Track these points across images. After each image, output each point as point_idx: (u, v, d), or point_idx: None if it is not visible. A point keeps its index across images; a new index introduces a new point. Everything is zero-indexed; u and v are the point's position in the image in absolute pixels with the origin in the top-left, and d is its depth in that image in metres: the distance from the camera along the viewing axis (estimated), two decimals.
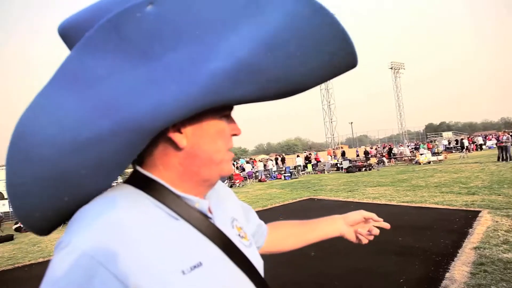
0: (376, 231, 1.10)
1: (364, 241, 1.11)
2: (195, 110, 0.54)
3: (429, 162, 20.74)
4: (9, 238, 9.15)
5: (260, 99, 0.62)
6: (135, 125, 0.51)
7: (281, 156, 28.11)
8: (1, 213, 13.37)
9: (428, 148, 26.66)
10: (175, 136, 0.62)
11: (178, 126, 0.61)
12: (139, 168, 0.66)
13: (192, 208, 0.66)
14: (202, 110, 0.55)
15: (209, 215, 0.70)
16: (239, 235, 0.77)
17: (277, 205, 10.55)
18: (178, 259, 0.58)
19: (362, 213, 1.11)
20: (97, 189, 0.60)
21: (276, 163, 26.41)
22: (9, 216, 13.57)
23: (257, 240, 1.02)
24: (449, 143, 34.36)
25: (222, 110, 0.65)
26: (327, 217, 1.15)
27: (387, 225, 1.10)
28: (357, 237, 1.12)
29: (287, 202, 10.95)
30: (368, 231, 1.10)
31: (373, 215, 1.10)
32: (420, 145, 29.85)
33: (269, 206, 10.35)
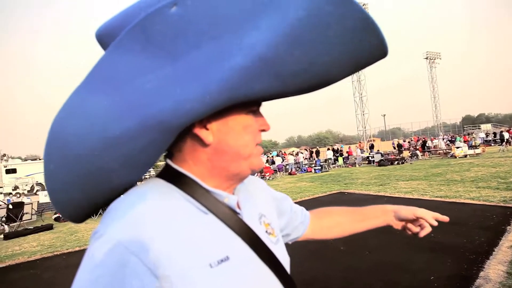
0: (428, 230, 1.06)
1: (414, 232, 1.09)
2: (216, 106, 0.55)
3: (465, 156, 20.03)
4: (49, 227, 9.60)
5: (282, 94, 0.63)
6: (159, 123, 0.54)
7: (315, 149, 27.88)
8: (43, 203, 14.06)
9: (465, 141, 25.72)
10: (201, 132, 0.64)
11: (204, 122, 0.63)
12: (170, 163, 0.70)
13: (221, 203, 0.68)
14: (225, 106, 0.57)
15: (238, 210, 0.72)
16: (266, 231, 0.78)
17: (307, 198, 10.52)
18: (206, 253, 0.60)
19: (414, 212, 1.07)
20: (128, 183, 0.64)
21: (311, 156, 26.27)
22: (50, 207, 14.23)
23: (297, 227, 1.03)
24: (487, 136, 32.97)
25: (249, 106, 0.66)
26: (377, 206, 1.14)
27: (445, 218, 1.05)
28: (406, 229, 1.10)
29: (317, 196, 10.90)
30: (419, 226, 1.07)
31: (426, 216, 1.04)
32: (456, 138, 28.77)
33: (299, 200, 10.32)
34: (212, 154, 0.66)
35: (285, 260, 0.77)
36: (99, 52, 0.63)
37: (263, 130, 0.71)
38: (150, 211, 0.59)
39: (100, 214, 10.75)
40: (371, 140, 32.63)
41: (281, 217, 0.97)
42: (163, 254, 0.55)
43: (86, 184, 0.59)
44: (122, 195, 0.64)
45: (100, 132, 0.54)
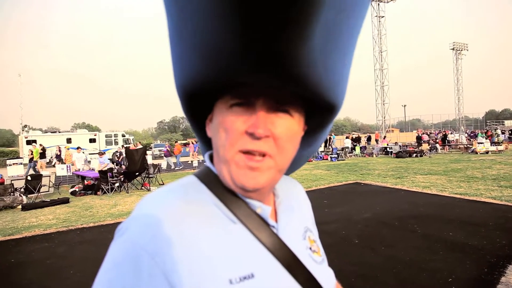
0: None
1: None
2: (185, 90, 0.60)
3: (487, 152, 19.58)
4: (65, 201, 9.76)
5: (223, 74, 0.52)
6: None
7: (328, 136, 27.64)
8: (59, 176, 14.36)
9: (487, 137, 25.04)
10: (207, 125, 0.65)
11: (211, 115, 0.63)
12: (206, 159, 0.67)
13: (253, 212, 0.61)
14: (190, 91, 0.59)
15: (272, 223, 0.64)
16: (310, 248, 0.70)
17: (322, 187, 10.44)
18: (228, 267, 0.54)
19: None
20: None
21: (325, 146, 26.05)
22: (66, 180, 14.53)
23: None
24: (511, 133, 32.07)
25: (230, 98, 0.57)
26: None
27: None
28: None
29: (332, 185, 10.80)
30: None
31: None
32: (478, 134, 28.00)
33: (314, 188, 10.26)
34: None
35: (328, 283, 0.69)
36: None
37: (251, 134, 0.55)
38: (173, 214, 0.55)
39: (114, 190, 10.92)
40: (389, 130, 32.12)
41: None
42: (179, 262, 0.51)
43: None
44: (153, 192, 0.61)
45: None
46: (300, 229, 0.71)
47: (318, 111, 0.64)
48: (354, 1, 0.48)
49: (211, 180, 0.62)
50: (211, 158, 0.67)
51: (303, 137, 0.68)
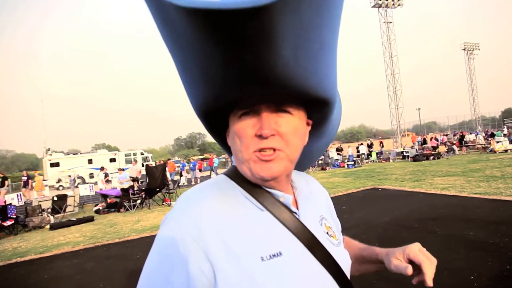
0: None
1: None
2: (202, 106, 0.69)
3: (506, 151, 19.17)
4: (90, 219, 10.02)
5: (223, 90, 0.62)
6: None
7: (338, 146, 27.47)
8: (83, 196, 14.68)
9: (504, 135, 24.53)
10: (227, 136, 0.77)
11: (228, 129, 0.76)
12: (233, 161, 0.78)
13: (277, 201, 0.72)
14: (205, 110, 0.71)
15: (294, 209, 0.75)
16: (327, 233, 0.80)
17: (340, 194, 10.44)
18: (259, 246, 0.65)
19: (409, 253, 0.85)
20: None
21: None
22: (90, 199, 14.85)
23: None
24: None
25: (238, 110, 0.69)
26: (374, 251, 0.94)
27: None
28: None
29: (350, 191, 10.80)
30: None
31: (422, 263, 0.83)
32: (496, 132, 27.40)
33: (332, 195, 10.17)
34: None
35: (345, 263, 0.78)
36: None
37: (260, 136, 0.66)
38: (209, 205, 0.67)
39: (136, 206, 11.14)
40: (405, 135, 31.77)
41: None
42: (217, 244, 0.62)
43: None
44: (191, 188, 0.74)
45: None
46: (316, 217, 0.81)
47: (315, 106, 0.74)
48: (315, 17, 0.51)
49: (239, 177, 0.74)
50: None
51: (312, 130, 0.82)
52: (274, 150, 0.67)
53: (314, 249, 0.71)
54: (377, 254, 0.91)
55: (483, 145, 22.57)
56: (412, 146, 24.98)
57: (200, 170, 23.20)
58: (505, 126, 35.96)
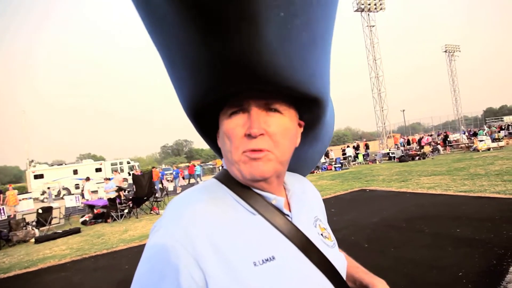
0: None
1: None
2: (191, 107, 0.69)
3: (488, 149, 19.57)
4: (77, 230, 9.84)
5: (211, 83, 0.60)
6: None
7: (364, 143, 27.66)
8: (69, 207, 14.45)
9: (486, 134, 25.06)
10: (217, 137, 0.75)
11: (218, 131, 0.73)
12: (223, 163, 0.76)
13: (269, 204, 0.70)
14: (194, 107, 0.69)
15: (286, 212, 0.72)
16: (321, 234, 0.78)
17: (329, 196, 10.47)
18: (251, 251, 0.62)
19: None
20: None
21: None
22: (76, 211, 14.61)
23: None
24: (508, 127, 31.99)
25: (227, 109, 0.67)
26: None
27: None
28: None
29: (338, 193, 10.86)
30: None
31: None
32: (479, 132, 27.95)
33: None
34: None
35: (341, 265, 0.76)
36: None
37: (249, 135, 0.63)
38: (200, 210, 0.64)
39: (124, 216, 11.01)
40: (390, 136, 32.16)
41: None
42: (208, 250, 0.60)
43: None
44: (180, 194, 0.71)
45: None
46: (311, 218, 0.79)
47: (306, 105, 0.72)
48: (307, 3, 0.48)
49: (230, 180, 0.71)
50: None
51: (305, 133, 0.80)
52: (263, 151, 0.64)
53: (309, 251, 0.69)
54: (361, 280, 0.90)
55: (466, 144, 22.99)
56: (397, 147, 25.27)
57: (184, 178, 22.84)
58: (485, 126, 36.71)
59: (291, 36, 0.50)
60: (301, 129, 0.77)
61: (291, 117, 0.69)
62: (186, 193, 0.72)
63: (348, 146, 26.47)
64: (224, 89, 0.61)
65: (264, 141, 0.64)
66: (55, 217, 10.50)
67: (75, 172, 30.61)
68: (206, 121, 0.76)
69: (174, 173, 22.03)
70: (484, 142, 20.36)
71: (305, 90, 0.64)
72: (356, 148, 26.29)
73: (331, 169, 21.34)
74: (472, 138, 23.62)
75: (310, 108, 0.74)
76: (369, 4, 30.79)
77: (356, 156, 23.97)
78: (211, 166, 32.43)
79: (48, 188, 25.22)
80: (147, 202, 12.41)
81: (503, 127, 32.63)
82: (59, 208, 11.31)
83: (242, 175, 0.66)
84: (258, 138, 0.63)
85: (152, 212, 11.96)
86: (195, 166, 23.91)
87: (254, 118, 0.63)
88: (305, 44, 0.54)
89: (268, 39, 0.48)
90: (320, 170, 21.44)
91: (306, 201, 0.83)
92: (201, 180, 22.43)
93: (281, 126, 0.66)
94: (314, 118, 0.79)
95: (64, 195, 22.41)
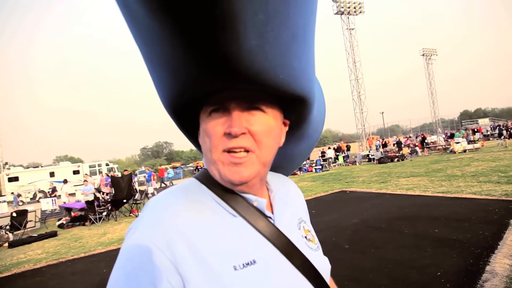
0: None
1: None
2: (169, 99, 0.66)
3: (464, 151, 20.11)
4: (53, 234, 9.58)
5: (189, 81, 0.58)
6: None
7: (346, 144, 27.89)
8: (48, 210, 14.06)
9: (463, 136, 25.71)
10: (198, 135, 0.71)
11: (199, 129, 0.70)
12: (204, 163, 0.73)
13: (251, 206, 0.68)
14: (173, 105, 0.66)
15: (268, 214, 0.70)
16: (305, 237, 0.76)
17: (309, 198, 10.52)
18: (231, 255, 0.60)
19: None
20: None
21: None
22: (53, 213, 14.24)
23: None
24: (486, 131, 33.03)
25: (208, 107, 0.64)
26: None
27: None
28: None
29: (319, 195, 10.92)
30: None
31: None
32: (456, 133, 28.63)
33: None
34: None
35: (324, 269, 0.74)
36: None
37: (229, 134, 0.61)
38: (177, 212, 0.62)
39: (102, 219, 10.80)
40: (370, 138, 32.61)
41: None
42: (187, 254, 0.57)
43: None
44: (158, 194, 0.68)
45: None
46: (294, 220, 0.77)
47: (291, 104, 0.70)
48: (285, 4, 0.46)
49: (210, 181, 0.69)
50: None
51: (291, 132, 0.78)
52: (245, 151, 0.62)
53: (291, 255, 0.67)
54: None
55: (443, 146, 23.53)
56: (376, 149, 25.65)
57: (156, 182, 21.95)
58: (462, 127, 37.71)
59: (272, 37, 0.48)
60: (286, 128, 0.75)
61: (275, 116, 0.67)
62: (164, 193, 0.69)
63: (329, 148, 26.69)
64: (203, 89, 0.60)
65: (245, 140, 0.62)
66: (30, 221, 10.18)
67: (52, 174, 29.82)
68: (187, 118, 0.73)
69: (146, 176, 20.76)
70: (460, 144, 20.88)
71: (289, 90, 0.62)
72: (337, 150, 26.52)
73: (311, 171, 21.50)
74: (449, 140, 24.16)
75: (295, 107, 0.72)
76: (349, 7, 31.17)
77: (336, 158, 24.21)
78: (192, 168, 32.09)
79: (12, 193, 24.36)
80: (126, 205, 12.19)
81: (475, 130, 33.55)
82: (35, 211, 10.99)
83: (221, 176, 0.64)
84: (239, 137, 0.61)
85: (131, 214, 11.76)
86: (166, 169, 23.26)
87: (235, 117, 0.61)
88: (286, 42, 0.52)
89: (248, 44, 0.46)
90: (301, 171, 21.56)
91: (290, 202, 0.80)
92: (172, 184, 22.02)
93: (264, 125, 0.64)
94: (300, 116, 0.76)
95: (40, 198, 21.76)
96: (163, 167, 28.48)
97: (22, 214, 10.07)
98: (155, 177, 21.51)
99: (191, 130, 0.78)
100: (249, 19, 0.43)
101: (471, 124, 48.44)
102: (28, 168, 33.06)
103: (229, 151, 0.62)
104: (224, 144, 0.62)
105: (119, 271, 0.57)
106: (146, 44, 0.53)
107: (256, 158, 0.63)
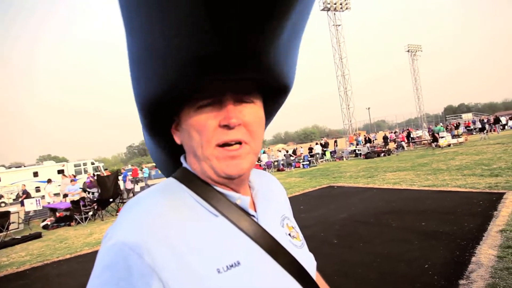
0: None
1: None
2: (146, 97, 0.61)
3: (449, 145, 20.40)
4: (38, 235, 9.40)
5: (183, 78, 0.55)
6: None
7: (293, 149, 27.90)
8: (32, 211, 13.80)
9: (446, 129, 26.09)
10: (174, 133, 0.70)
11: (175, 123, 0.69)
12: (182, 161, 0.71)
13: (233, 204, 0.65)
14: (155, 100, 0.61)
15: (252, 212, 0.68)
16: (289, 234, 0.74)
17: (297, 193, 10.57)
18: (214, 257, 0.58)
19: None
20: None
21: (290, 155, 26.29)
22: (37, 214, 13.98)
23: None
24: (474, 124, 33.66)
25: (196, 102, 0.61)
26: None
27: None
28: None
29: (307, 191, 10.96)
30: None
31: None
32: (437, 127, 28.95)
33: (289, 195, 10.28)
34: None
35: (310, 265, 0.73)
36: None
37: (225, 126, 0.60)
38: (156, 214, 0.58)
39: (88, 219, 10.65)
40: (356, 134, 32.88)
41: None
42: (167, 258, 0.54)
43: None
44: (135, 196, 0.64)
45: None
46: (277, 217, 0.75)
47: (273, 94, 0.70)
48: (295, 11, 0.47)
49: (190, 179, 0.66)
50: (185, 160, 0.71)
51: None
52: (240, 143, 0.61)
53: (276, 254, 0.65)
54: None
55: (428, 141, 23.85)
56: (357, 144, 25.85)
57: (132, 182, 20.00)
58: (446, 122, 38.29)
59: (281, 41, 0.51)
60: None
61: (261, 106, 0.67)
62: (141, 195, 0.64)
63: (317, 144, 26.81)
64: (199, 81, 0.56)
65: (240, 132, 0.61)
66: (13, 222, 9.97)
67: (36, 174, 29.30)
68: (159, 115, 0.68)
69: (122, 176, 17.95)
70: (445, 138, 21.19)
71: (284, 81, 0.64)
72: (324, 145, 26.64)
73: (299, 167, 21.55)
74: (435, 135, 24.50)
75: (275, 97, 0.72)
76: (335, 4, 31.29)
77: (323, 153, 24.33)
78: None
79: None
80: (112, 204, 12.06)
81: (459, 124, 34.06)
82: (18, 212, 10.75)
83: (215, 172, 0.62)
84: (235, 129, 0.60)
85: (118, 213, 11.55)
86: (142, 169, 22.36)
87: (231, 109, 0.60)
88: (290, 39, 0.54)
89: (282, 37, 0.50)
90: (289, 167, 21.62)
91: (273, 199, 0.79)
92: (146, 184, 21.62)
93: (255, 115, 0.64)
94: (276, 107, 0.77)
95: (21, 198, 21.35)
96: (135, 167, 27.08)
97: (4, 215, 9.82)
98: (129, 178, 19.11)
99: (160, 129, 0.73)
100: (292, 14, 0.46)
101: (455, 118, 49.23)
102: (10, 168, 32.38)
103: (223, 145, 0.60)
104: (218, 137, 0.60)
105: (96, 280, 0.54)
106: (150, 31, 0.49)
107: (250, 149, 0.63)
